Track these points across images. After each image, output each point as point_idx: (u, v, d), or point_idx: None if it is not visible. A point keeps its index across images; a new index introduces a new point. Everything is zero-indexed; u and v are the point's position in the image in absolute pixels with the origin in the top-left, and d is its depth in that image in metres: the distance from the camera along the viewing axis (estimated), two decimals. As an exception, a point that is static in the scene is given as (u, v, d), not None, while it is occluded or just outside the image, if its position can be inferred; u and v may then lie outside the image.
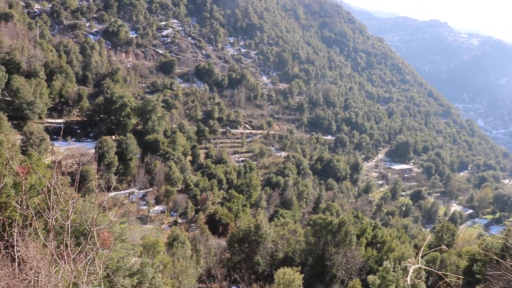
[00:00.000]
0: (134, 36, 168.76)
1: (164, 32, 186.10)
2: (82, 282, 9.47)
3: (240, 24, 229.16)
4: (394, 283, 31.18)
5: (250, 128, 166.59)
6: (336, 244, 51.05)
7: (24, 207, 10.87)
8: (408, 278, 10.08)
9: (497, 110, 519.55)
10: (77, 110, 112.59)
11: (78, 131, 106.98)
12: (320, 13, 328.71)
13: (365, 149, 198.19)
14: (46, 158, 73.20)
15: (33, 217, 10.88)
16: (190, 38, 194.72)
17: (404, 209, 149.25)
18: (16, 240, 9.76)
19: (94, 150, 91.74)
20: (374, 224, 69.25)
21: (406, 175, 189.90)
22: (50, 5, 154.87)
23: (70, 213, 10.82)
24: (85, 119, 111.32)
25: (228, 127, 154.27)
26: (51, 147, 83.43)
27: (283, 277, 35.52)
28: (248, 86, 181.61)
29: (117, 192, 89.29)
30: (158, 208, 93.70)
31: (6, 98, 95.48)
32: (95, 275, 10.11)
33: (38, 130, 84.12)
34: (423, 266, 10.90)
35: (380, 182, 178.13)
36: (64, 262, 9.61)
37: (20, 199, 11.01)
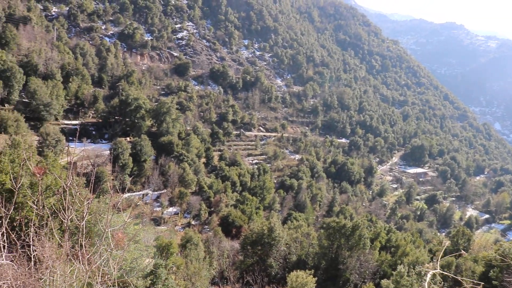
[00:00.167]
0: (149, 38, 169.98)
1: (179, 35, 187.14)
2: (96, 283, 9.53)
3: (254, 26, 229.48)
4: (409, 288, 30.93)
5: (264, 131, 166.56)
6: (349, 248, 50.78)
7: (40, 207, 10.97)
8: (426, 284, 9.99)
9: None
10: (93, 112, 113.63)
11: (94, 132, 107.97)
12: (335, 15, 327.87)
13: (380, 152, 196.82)
14: (62, 159, 74.03)
15: (48, 217, 10.98)
16: (204, 41, 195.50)
17: (418, 213, 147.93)
18: (32, 239, 9.85)
19: (109, 152, 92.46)
20: (388, 228, 68.71)
21: (421, 179, 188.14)
22: (67, 8, 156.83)
23: (85, 214, 10.90)
24: (100, 120, 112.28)
25: (242, 130, 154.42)
26: (66, 148, 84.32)
27: (296, 280, 35.44)
28: (262, 89, 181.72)
29: (131, 194, 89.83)
30: (171, 209, 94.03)
31: (23, 100, 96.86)
32: (109, 276, 10.17)
33: (54, 131, 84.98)
34: (441, 271, 10.79)
35: (395, 185, 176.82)
36: (79, 262, 9.69)
37: (36, 199, 11.11)
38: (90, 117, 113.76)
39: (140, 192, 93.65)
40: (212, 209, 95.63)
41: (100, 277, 9.63)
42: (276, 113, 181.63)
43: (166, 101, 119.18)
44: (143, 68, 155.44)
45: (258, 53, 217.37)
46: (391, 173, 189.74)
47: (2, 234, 9.52)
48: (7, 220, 9.95)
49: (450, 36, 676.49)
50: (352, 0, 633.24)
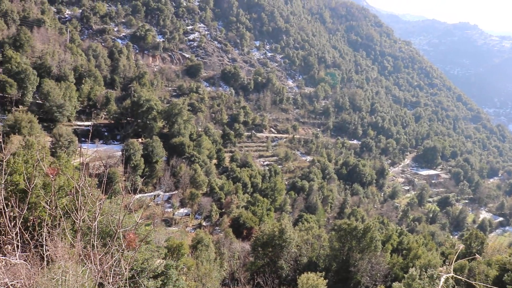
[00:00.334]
0: (161, 40, 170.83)
1: (191, 36, 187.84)
2: (108, 283, 9.60)
3: (266, 28, 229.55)
4: (420, 291, 30.68)
5: (276, 132, 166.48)
6: (361, 250, 50.55)
7: (53, 207, 11.09)
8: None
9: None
10: (105, 113, 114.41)
11: (106, 133, 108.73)
12: (347, 16, 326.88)
13: (392, 154, 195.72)
14: (74, 160, 74.67)
15: (61, 217, 11.09)
16: (216, 42, 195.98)
17: (431, 215, 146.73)
18: (45, 239, 9.96)
19: (120, 153, 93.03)
20: (400, 230, 68.36)
21: (433, 181, 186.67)
22: (80, 10, 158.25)
23: (97, 215, 10.99)
24: (112, 122, 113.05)
25: (253, 131, 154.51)
26: (79, 149, 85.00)
27: (307, 282, 35.36)
28: (274, 90, 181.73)
29: (142, 194, 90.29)
30: (183, 210, 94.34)
31: (37, 101, 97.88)
32: (120, 276, 10.24)
33: (67, 132, 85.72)
34: (455, 276, 10.68)
35: (407, 187, 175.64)
36: (91, 262, 9.77)
37: (49, 200, 11.23)
38: (102, 118, 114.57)
39: (152, 193, 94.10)
40: (223, 210, 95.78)
41: (111, 277, 9.71)
42: (287, 115, 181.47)
43: (178, 103, 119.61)
44: (155, 69, 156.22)
45: (269, 54, 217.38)
46: (403, 175, 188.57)
47: (16, 234, 9.64)
48: (21, 220, 10.07)
49: (463, 37, 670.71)
50: (364, 1, 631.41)
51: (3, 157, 13.05)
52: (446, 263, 51.48)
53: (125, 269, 10.09)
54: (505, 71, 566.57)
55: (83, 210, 10.94)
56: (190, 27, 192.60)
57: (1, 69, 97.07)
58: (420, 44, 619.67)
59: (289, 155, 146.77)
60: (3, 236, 9.86)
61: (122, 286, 10.19)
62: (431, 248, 66.37)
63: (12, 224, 9.78)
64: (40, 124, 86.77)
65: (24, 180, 21.06)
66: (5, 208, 9.77)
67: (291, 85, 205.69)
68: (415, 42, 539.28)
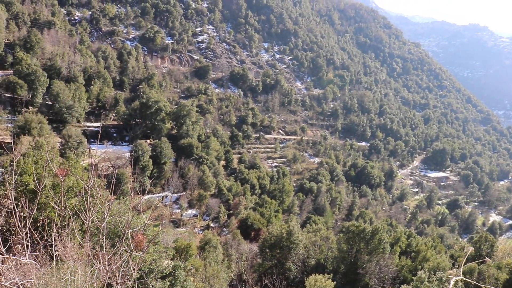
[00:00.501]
0: (170, 42, 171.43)
1: (199, 38, 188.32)
2: (117, 283, 9.65)
3: (274, 29, 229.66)
4: (429, 294, 30.52)
5: (284, 134, 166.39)
6: (369, 252, 50.32)
7: (62, 208, 11.16)
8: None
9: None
10: (114, 114, 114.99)
11: (114, 134, 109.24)
12: (356, 18, 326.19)
13: (400, 156, 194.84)
14: (83, 160, 75.09)
15: (70, 218, 11.16)
16: (225, 44, 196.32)
17: (440, 218, 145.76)
18: (54, 240, 10.03)
19: (129, 154, 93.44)
20: (409, 232, 67.95)
21: (442, 183, 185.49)
22: (90, 12, 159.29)
23: (105, 215, 11.05)
24: (121, 123, 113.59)
25: (261, 133, 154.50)
26: (88, 150, 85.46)
27: (315, 284, 35.26)
28: (282, 92, 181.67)
29: (151, 195, 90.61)
30: (191, 212, 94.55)
31: (47, 102, 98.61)
32: (129, 277, 10.29)
33: (76, 133, 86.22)
34: (465, 279, 10.62)
35: (415, 190, 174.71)
36: (100, 263, 9.82)
37: (58, 200, 11.32)
38: (111, 119, 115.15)
39: (160, 194, 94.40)
40: (231, 211, 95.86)
41: (120, 277, 9.75)
42: (295, 116, 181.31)
43: (186, 104, 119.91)
44: (164, 71, 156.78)
45: (278, 56, 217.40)
46: (411, 177, 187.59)
47: (26, 234, 9.72)
48: (31, 220, 10.15)
49: (473, 38, 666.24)
50: (373, 2, 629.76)
51: (13, 158, 13.16)
52: (455, 266, 51.15)
53: (134, 269, 10.14)
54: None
55: (92, 210, 11.01)
56: (199, 28, 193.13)
57: (12, 71, 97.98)
58: (429, 46, 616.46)
59: (297, 156, 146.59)
60: (14, 236, 9.95)
61: (130, 286, 10.24)
62: (440, 250, 65.94)
63: (22, 224, 9.87)
64: (50, 125, 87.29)
65: (34, 181, 21.24)
66: (15, 208, 9.86)
67: (299, 86, 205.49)
68: (424, 43, 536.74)
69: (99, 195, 11.85)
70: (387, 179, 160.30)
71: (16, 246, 9.74)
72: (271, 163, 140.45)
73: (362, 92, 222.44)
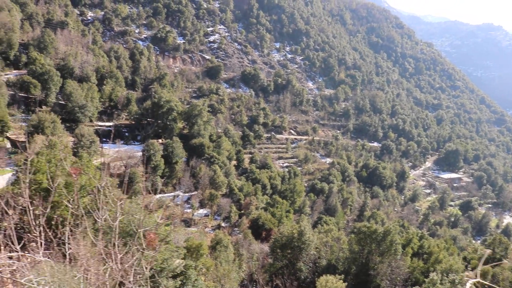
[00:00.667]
0: (181, 41, 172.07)
1: (211, 38, 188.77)
2: (129, 282, 9.68)
3: (286, 29, 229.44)
4: (442, 296, 30.25)
5: (295, 134, 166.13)
6: (380, 253, 50.02)
7: (76, 206, 11.23)
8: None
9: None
10: (126, 114, 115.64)
11: (126, 134, 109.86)
12: (368, 18, 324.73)
13: (413, 157, 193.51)
14: (96, 159, 75.62)
15: (82, 216, 11.22)
16: (236, 44, 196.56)
17: (452, 219, 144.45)
18: (68, 238, 10.09)
19: (141, 153, 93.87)
20: (421, 234, 67.41)
21: (455, 185, 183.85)
22: (102, 12, 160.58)
23: (118, 214, 11.09)
24: (133, 122, 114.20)
25: (273, 133, 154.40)
26: (100, 149, 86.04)
27: (326, 284, 35.14)
28: (294, 92, 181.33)
29: (162, 195, 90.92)
30: (202, 211, 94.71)
31: (60, 102, 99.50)
32: (141, 275, 10.32)
33: (89, 132, 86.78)
34: (482, 281, 10.49)
35: (428, 191, 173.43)
36: (112, 261, 9.86)
37: (71, 199, 11.38)
38: (123, 119, 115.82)
39: (171, 194, 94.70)
40: (242, 211, 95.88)
41: (132, 276, 9.78)
42: (307, 116, 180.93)
43: (198, 104, 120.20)
44: (175, 71, 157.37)
45: (289, 56, 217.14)
46: (424, 178, 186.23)
47: (40, 232, 9.79)
48: (44, 218, 10.22)
49: (487, 38, 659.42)
50: (385, 2, 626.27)
51: (27, 157, 13.27)
52: (468, 269, 50.69)
53: (146, 268, 10.17)
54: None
55: (105, 209, 11.06)
56: (211, 28, 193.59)
57: (26, 70, 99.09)
58: (442, 45, 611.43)
59: (308, 157, 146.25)
60: (28, 234, 10.03)
61: (142, 285, 10.27)
62: (453, 252, 65.33)
63: (36, 222, 9.94)
64: (63, 124, 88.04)
65: (47, 179, 21.42)
66: (30, 207, 9.93)
67: (311, 86, 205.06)
68: (437, 43, 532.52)
69: (111, 194, 11.90)
70: (399, 180, 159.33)
71: (31, 244, 9.82)
72: (282, 163, 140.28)
73: (374, 92, 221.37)
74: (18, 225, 11.23)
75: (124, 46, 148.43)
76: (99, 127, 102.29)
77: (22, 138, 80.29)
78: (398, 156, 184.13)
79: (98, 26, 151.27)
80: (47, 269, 9.12)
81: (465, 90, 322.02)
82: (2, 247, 9.45)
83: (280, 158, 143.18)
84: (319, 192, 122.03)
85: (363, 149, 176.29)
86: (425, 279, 37.97)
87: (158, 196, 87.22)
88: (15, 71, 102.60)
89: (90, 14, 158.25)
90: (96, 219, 10.96)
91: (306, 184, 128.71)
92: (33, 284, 8.55)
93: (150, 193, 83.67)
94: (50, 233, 10.18)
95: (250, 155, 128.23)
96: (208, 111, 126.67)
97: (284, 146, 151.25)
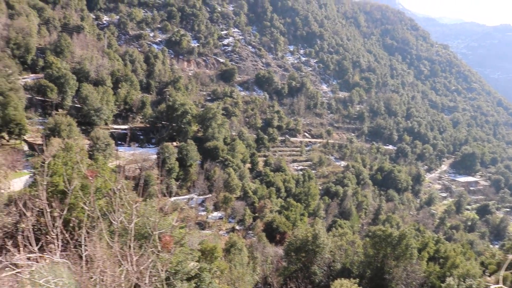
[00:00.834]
0: (195, 45, 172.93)
1: (225, 41, 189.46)
2: (145, 284, 9.72)
3: (300, 32, 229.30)
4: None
5: (309, 137, 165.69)
6: (396, 257, 49.52)
7: (92, 208, 11.31)
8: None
9: None
10: (141, 117, 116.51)
11: (141, 137, 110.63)
12: (382, 20, 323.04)
13: (428, 160, 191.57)
14: (111, 162, 76.23)
15: (98, 218, 11.29)
16: (250, 47, 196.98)
17: (469, 223, 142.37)
18: (84, 239, 10.16)
19: (156, 156, 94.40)
20: (437, 238, 66.63)
21: (472, 188, 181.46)
22: (118, 16, 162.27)
23: (133, 216, 11.14)
24: (147, 125, 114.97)
25: (287, 136, 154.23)
26: (115, 152, 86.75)
27: (341, 288, 34.92)
28: (308, 95, 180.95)
29: (177, 197, 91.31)
30: (216, 214, 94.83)
31: (76, 105, 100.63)
32: (156, 278, 10.35)
33: (104, 135, 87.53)
34: (504, 287, 10.33)
35: (444, 194, 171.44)
36: (128, 263, 9.90)
37: (87, 201, 11.47)
38: (138, 122, 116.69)
39: (186, 196, 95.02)
40: (256, 214, 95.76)
41: (148, 278, 9.82)
42: (321, 119, 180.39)
43: (212, 107, 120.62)
44: (190, 74, 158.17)
45: (303, 58, 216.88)
46: (440, 182, 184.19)
47: (57, 234, 9.87)
48: (61, 220, 10.31)
49: (504, 39, 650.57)
50: (399, 4, 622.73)
51: (44, 159, 13.41)
52: (486, 274, 49.94)
53: (162, 270, 10.19)
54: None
55: (120, 211, 11.12)
56: (225, 32, 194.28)
57: (43, 74, 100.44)
58: (458, 47, 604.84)
59: (323, 160, 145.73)
60: (45, 236, 10.12)
61: (158, 287, 10.30)
62: (470, 257, 64.34)
63: (53, 224, 10.03)
64: (79, 127, 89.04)
65: (64, 182, 21.62)
66: (47, 209, 10.03)
67: (325, 89, 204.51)
68: (453, 45, 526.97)
69: (127, 196, 11.96)
70: (415, 183, 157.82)
71: (50, 246, 9.91)
72: (297, 166, 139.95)
73: (388, 95, 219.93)
74: (35, 227, 11.35)
75: (139, 49, 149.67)
76: (114, 130, 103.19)
77: (39, 140, 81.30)
78: (414, 159, 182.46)
79: (113, 30, 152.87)
80: (64, 271, 9.20)
81: (481, 92, 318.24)
82: (21, 248, 9.56)
83: (294, 161, 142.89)
84: (333, 195, 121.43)
85: (378, 152, 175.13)
86: (441, 284, 37.51)
87: (172, 198, 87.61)
88: (32, 75, 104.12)
89: (105, 18, 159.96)
90: (112, 221, 11.03)
91: (320, 187, 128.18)
92: (50, 285, 8.63)
93: (165, 195, 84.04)
94: (67, 235, 10.26)
95: (264, 158, 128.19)
96: (222, 114, 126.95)
97: (298, 149, 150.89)
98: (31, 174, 61.02)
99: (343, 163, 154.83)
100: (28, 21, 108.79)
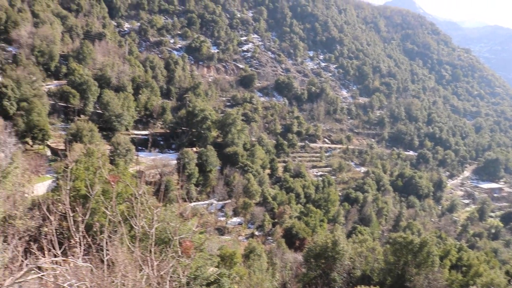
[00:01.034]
0: (215, 51, 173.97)
1: (245, 47, 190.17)
2: (165, 288, 9.78)
3: (319, 38, 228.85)
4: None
5: (329, 143, 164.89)
6: (417, 265, 48.85)
7: (113, 213, 11.44)
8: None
9: None
10: (161, 123, 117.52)
11: (161, 142, 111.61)
12: (402, 25, 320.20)
13: (450, 166, 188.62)
14: (131, 167, 77.02)
15: (120, 223, 11.42)
16: (270, 53, 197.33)
17: (493, 231, 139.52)
18: (106, 244, 10.29)
19: (176, 161, 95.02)
20: (459, 245, 65.51)
21: (495, 195, 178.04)
22: (139, 24, 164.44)
23: (154, 221, 11.24)
24: (168, 131, 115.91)
25: (306, 141, 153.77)
26: (136, 157, 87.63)
27: (361, 295, 34.61)
28: (328, 100, 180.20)
29: (197, 203, 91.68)
30: (235, 220, 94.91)
31: (97, 111, 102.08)
32: (177, 283, 10.41)
33: (125, 141, 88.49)
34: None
35: (466, 201, 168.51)
36: (148, 268, 9.99)
37: (109, 206, 11.61)
38: (158, 127, 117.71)
39: (205, 202, 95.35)
40: (276, 220, 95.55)
41: (169, 283, 9.88)
42: (341, 125, 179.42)
43: (232, 113, 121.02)
44: (210, 80, 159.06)
45: (323, 64, 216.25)
46: (462, 188, 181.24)
47: (80, 238, 10.02)
48: (84, 224, 10.46)
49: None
50: (420, 8, 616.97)
51: (67, 165, 13.63)
52: (511, 283, 48.87)
53: (183, 275, 10.25)
54: None
55: (141, 216, 11.24)
56: (244, 38, 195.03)
57: (66, 81, 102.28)
58: (481, 51, 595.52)
59: (343, 165, 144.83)
60: (68, 240, 10.29)
61: (178, 292, 10.35)
62: (494, 266, 63.01)
63: (76, 228, 10.19)
64: (100, 133, 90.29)
65: (86, 186, 21.92)
66: (70, 213, 10.20)
67: (345, 95, 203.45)
68: (475, 49, 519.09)
69: (148, 201, 12.08)
70: (436, 189, 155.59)
71: (72, 250, 10.06)
72: (316, 172, 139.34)
73: (409, 100, 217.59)
74: (58, 231, 11.53)
75: (160, 56, 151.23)
76: (134, 136, 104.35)
77: (62, 146, 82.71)
78: (435, 165, 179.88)
79: (134, 37, 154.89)
80: (87, 274, 9.32)
81: (505, 97, 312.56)
82: (45, 252, 9.73)
83: (314, 167, 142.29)
84: (353, 202, 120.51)
85: (399, 158, 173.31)
86: (464, 292, 36.85)
87: (192, 204, 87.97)
88: (55, 82, 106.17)
89: (126, 26, 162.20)
90: (133, 226, 11.15)
91: (340, 193, 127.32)
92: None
93: (185, 201, 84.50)
94: (89, 239, 10.41)
95: (284, 164, 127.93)
96: (242, 120, 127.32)
97: (318, 154, 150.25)
98: (54, 179, 62.01)
99: (363, 169, 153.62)
100: (52, 29, 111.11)
